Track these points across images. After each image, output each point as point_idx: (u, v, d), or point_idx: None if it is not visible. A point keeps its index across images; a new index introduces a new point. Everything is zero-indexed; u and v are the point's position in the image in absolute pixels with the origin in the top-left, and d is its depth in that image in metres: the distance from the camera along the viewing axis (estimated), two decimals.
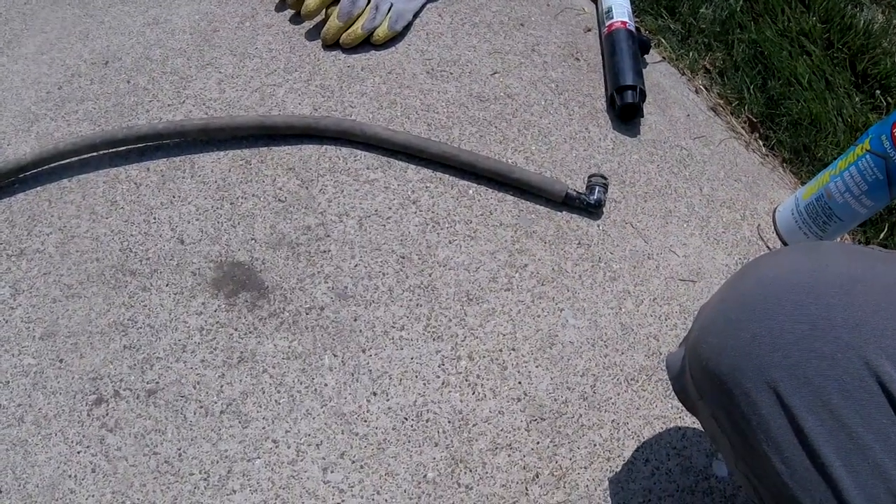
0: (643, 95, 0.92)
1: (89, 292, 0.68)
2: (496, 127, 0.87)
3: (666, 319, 0.74)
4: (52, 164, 0.76)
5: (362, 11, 0.94)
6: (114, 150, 0.78)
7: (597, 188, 0.80)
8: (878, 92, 1.15)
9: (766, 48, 1.14)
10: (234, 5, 0.98)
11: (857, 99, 1.13)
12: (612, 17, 1.01)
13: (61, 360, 0.64)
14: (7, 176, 0.73)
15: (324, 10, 0.94)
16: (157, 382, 0.63)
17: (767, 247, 0.86)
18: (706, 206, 0.86)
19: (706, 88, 1.07)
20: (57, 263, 0.70)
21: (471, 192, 0.79)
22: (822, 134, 1.03)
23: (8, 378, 0.62)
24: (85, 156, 0.77)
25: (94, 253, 0.71)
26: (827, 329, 0.36)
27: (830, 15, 1.29)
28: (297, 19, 0.96)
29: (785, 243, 0.87)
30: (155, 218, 0.74)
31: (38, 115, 0.82)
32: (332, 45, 0.93)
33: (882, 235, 0.93)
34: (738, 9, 1.20)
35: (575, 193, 0.79)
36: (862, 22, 1.33)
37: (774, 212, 0.90)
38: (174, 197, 0.75)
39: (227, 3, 0.98)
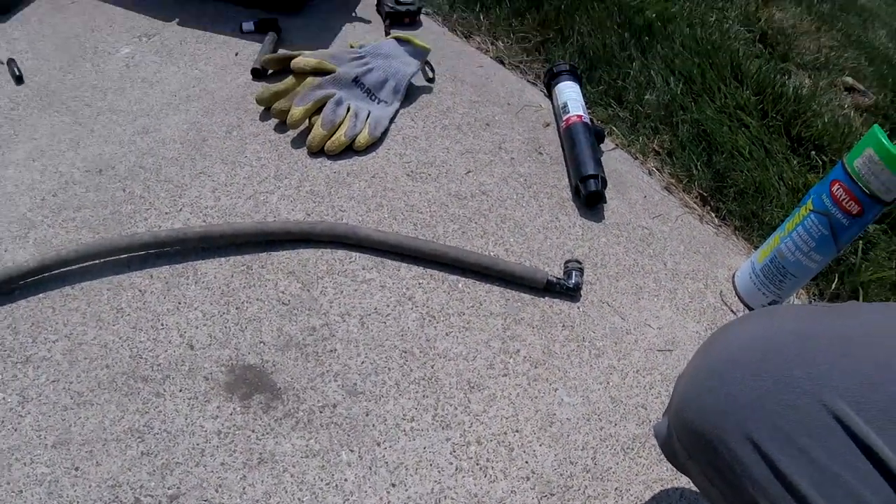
0: (604, 182, 1.01)
1: (101, 399, 0.70)
2: (475, 223, 0.95)
3: (650, 389, 0.81)
4: (55, 272, 0.79)
5: (343, 119, 1.02)
6: (116, 257, 0.82)
7: (574, 273, 0.88)
8: (813, 153, 1.29)
9: (707, 126, 1.26)
10: (220, 115, 1.05)
11: (794, 162, 1.26)
12: (568, 112, 1.12)
13: (77, 469, 0.65)
14: (9, 283, 0.76)
15: (307, 119, 1.02)
16: (179, 488, 0.66)
17: (731, 311, 0.94)
18: (672, 279, 0.95)
19: (658, 170, 1.18)
20: (65, 371, 0.72)
21: (460, 285, 0.86)
22: (768, 199, 1.14)
23: (21, 487, 0.63)
24: (87, 263, 0.81)
25: (104, 360, 0.73)
26: (788, 382, 0.43)
27: (762, 87, 1.43)
28: (281, 128, 1.04)
29: (746, 305, 0.96)
30: (163, 324, 0.77)
31: (34, 221, 0.86)
32: (318, 152, 1.00)
33: (833, 286, 1.03)
34: (679, 91, 1.33)
35: (555, 279, 0.87)
36: (791, 89, 1.48)
37: (733, 277, 1.00)
38: (180, 303, 0.79)
39: (214, 113, 1.05)
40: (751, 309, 0.95)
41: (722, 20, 1.74)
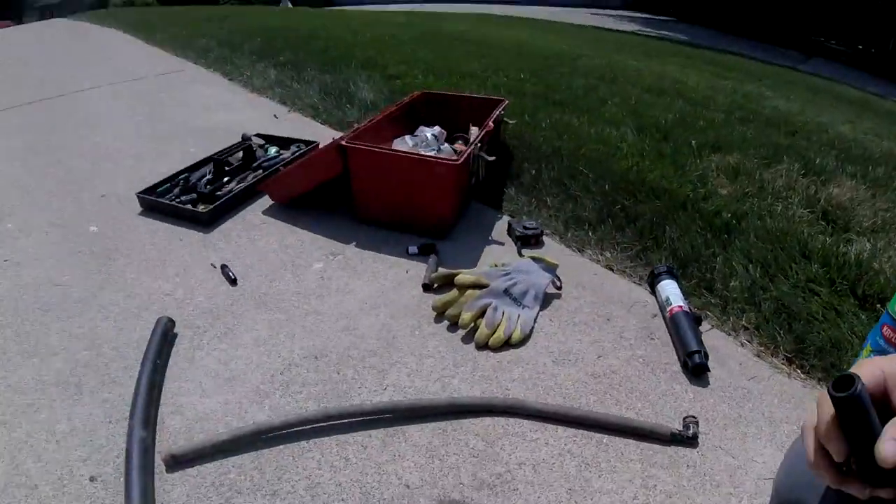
0: (706, 356, 1.32)
1: None
2: (609, 395, 1.27)
3: None
4: (292, 430, 1.11)
5: (500, 321, 1.40)
6: (341, 420, 1.14)
7: (691, 425, 1.17)
8: (878, 306, 1.54)
9: (784, 300, 1.56)
10: (403, 319, 1.44)
11: (863, 316, 1.51)
12: (671, 304, 1.46)
13: None
14: (260, 434, 1.08)
15: (474, 322, 1.40)
16: None
17: None
18: (770, 425, 1.22)
19: (748, 342, 1.47)
20: (308, 503, 1.03)
21: (604, 440, 1.17)
22: (843, 351, 1.40)
23: None
24: (319, 424, 1.13)
25: (339, 495, 1.03)
26: None
27: (827, 259, 1.72)
28: (453, 328, 1.42)
29: None
30: (383, 470, 1.08)
31: (267, 392, 1.21)
32: (483, 346, 1.37)
33: None
34: (758, 275, 1.65)
35: (677, 431, 1.16)
36: (853, 255, 1.75)
37: None
38: (395, 455, 1.12)
39: (398, 317, 1.44)
40: None
41: (787, 207, 2.07)
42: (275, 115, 2.76)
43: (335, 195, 1.83)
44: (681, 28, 12.39)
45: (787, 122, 3.51)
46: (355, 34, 5.02)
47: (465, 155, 1.66)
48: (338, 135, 2.35)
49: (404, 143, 1.95)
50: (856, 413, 0.49)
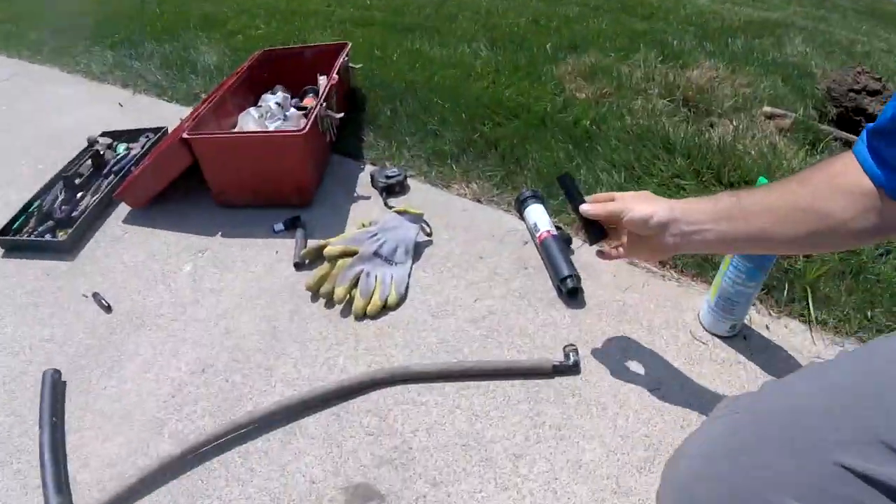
0: (578, 278, 1.34)
1: None
2: (491, 338, 1.27)
3: (649, 421, 1.10)
4: (195, 453, 1.09)
5: (375, 287, 1.37)
6: (238, 433, 1.13)
7: (570, 354, 1.19)
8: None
9: None
10: (281, 306, 1.40)
11: None
12: (539, 230, 1.46)
13: None
14: (165, 468, 1.05)
15: (348, 294, 1.37)
16: None
17: (702, 342, 1.24)
18: (650, 333, 1.26)
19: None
20: None
21: (491, 387, 1.17)
22: None
23: None
24: (219, 441, 1.11)
25: None
26: (739, 486, 0.63)
27: (691, 150, 1.76)
28: (330, 304, 1.38)
29: (713, 334, 1.25)
30: (287, 471, 1.07)
31: (163, 419, 1.17)
32: (362, 316, 1.34)
33: (785, 294, 1.33)
34: (623, 179, 1.67)
35: (558, 363, 1.18)
36: (715, 141, 1.79)
37: (698, 315, 1.30)
38: (296, 453, 1.09)
39: (275, 304, 1.40)
40: (715, 335, 1.25)
41: (647, 100, 2.10)
42: (119, 104, 2.56)
43: (192, 182, 1.74)
44: None
45: (643, 3, 3.54)
46: None
47: (311, 121, 1.59)
48: (186, 112, 2.22)
49: (250, 117, 1.86)
50: (567, 188, 1.11)
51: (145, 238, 1.67)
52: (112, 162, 2.00)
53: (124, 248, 1.64)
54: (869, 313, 1.28)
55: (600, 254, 1.11)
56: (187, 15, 3.70)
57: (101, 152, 2.01)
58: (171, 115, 2.33)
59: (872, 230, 0.77)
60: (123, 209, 1.80)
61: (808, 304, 1.31)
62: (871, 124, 0.75)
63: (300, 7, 3.70)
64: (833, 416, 0.63)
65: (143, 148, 2.07)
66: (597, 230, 1.05)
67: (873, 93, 2.14)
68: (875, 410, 0.60)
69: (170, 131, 2.13)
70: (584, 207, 1.04)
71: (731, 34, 3.03)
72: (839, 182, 0.78)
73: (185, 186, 1.76)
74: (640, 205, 0.96)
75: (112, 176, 1.93)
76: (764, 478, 0.62)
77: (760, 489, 0.61)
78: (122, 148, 2.09)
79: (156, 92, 2.65)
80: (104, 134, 2.16)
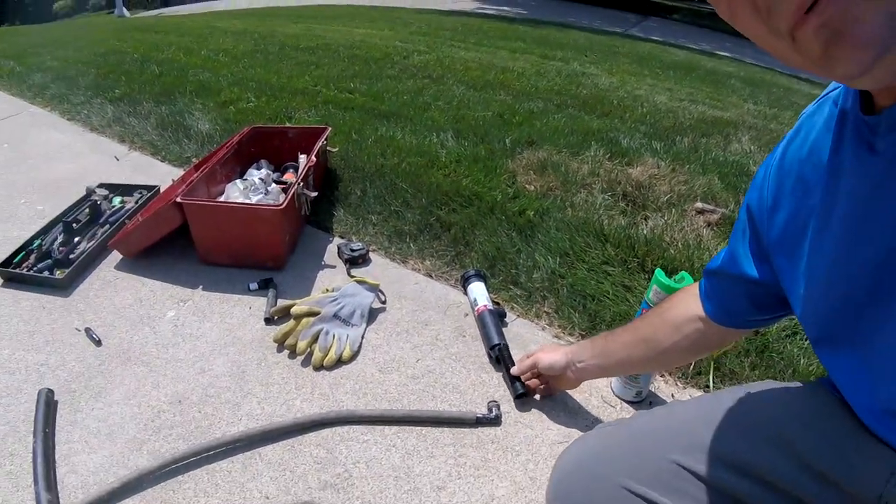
0: (507, 347, 1.63)
1: None
2: (428, 392, 1.55)
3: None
4: (169, 468, 1.33)
5: (332, 343, 1.66)
6: (207, 453, 1.37)
7: (493, 408, 1.48)
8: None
9: (579, 285, 1.89)
10: (251, 353, 1.66)
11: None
12: (477, 304, 1.76)
13: None
14: (143, 477, 1.30)
15: (309, 348, 1.65)
16: None
17: (610, 405, 1.52)
18: (566, 395, 1.54)
19: (548, 325, 1.80)
20: None
21: (423, 432, 1.45)
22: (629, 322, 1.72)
23: None
24: (190, 460, 1.36)
25: None
26: (597, 476, 0.94)
27: (620, 240, 2.07)
28: (293, 356, 1.66)
29: (622, 399, 1.54)
30: (246, 488, 1.31)
31: (143, 440, 1.41)
32: (319, 367, 1.62)
33: (691, 368, 1.62)
34: (557, 265, 1.97)
35: (481, 415, 1.47)
36: (643, 233, 2.10)
37: (610, 383, 1.58)
38: (254, 474, 1.33)
39: (246, 352, 1.67)
40: (623, 400, 1.54)
41: (590, 194, 2.44)
42: (116, 157, 2.86)
43: (180, 240, 2.03)
44: (521, 1, 12.96)
45: (604, 102, 3.94)
46: (189, 53, 5.09)
47: (288, 198, 1.91)
48: (178, 172, 2.53)
49: (235, 188, 2.16)
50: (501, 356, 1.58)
51: (135, 284, 1.94)
52: (108, 213, 2.30)
53: (115, 291, 1.91)
54: None
55: (530, 389, 1.53)
56: (184, 80, 4.05)
57: (99, 202, 2.30)
58: (163, 174, 2.64)
59: (700, 347, 1.12)
60: (116, 256, 2.08)
61: (709, 377, 1.60)
62: (706, 266, 1.07)
63: (289, 84, 4.08)
64: (676, 430, 0.95)
65: (136, 203, 2.38)
66: (520, 384, 1.51)
67: None
68: (706, 429, 0.91)
69: (162, 190, 2.44)
70: (513, 370, 1.53)
71: (680, 132, 3.40)
72: (667, 317, 1.13)
73: (174, 243, 2.05)
74: (546, 357, 1.40)
75: (108, 225, 2.23)
76: (619, 469, 0.91)
77: (614, 476, 0.91)
78: (117, 200, 2.40)
79: (150, 150, 2.97)
80: (101, 185, 2.46)
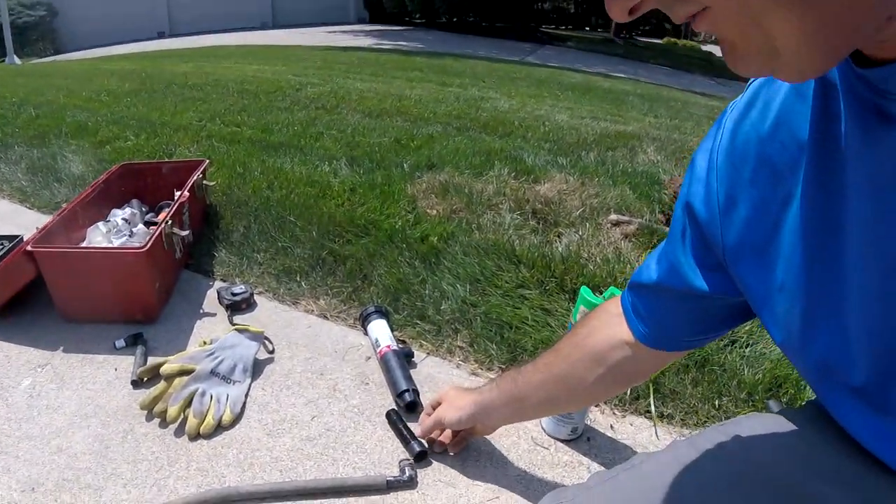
0: (416, 392, 1.41)
1: None
2: (326, 455, 1.31)
3: None
4: None
5: (209, 406, 1.39)
6: None
7: (406, 468, 1.25)
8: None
9: (495, 311, 1.70)
10: (115, 425, 1.38)
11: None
12: (380, 345, 1.54)
13: None
14: None
15: (182, 413, 1.38)
16: None
17: (543, 447, 1.32)
18: (487, 444, 1.33)
19: (463, 362, 1.59)
20: None
21: None
22: None
23: None
24: None
25: None
26: None
27: (535, 262, 1.90)
28: (164, 424, 1.38)
29: (555, 438, 1.34)
30: None
31: None
32: (195, 436, 1.35)
33: (628, 394, 1.43)
34: (468, 293, 1.78)
35: (393, 478, 1.23)
36: (558, 251, 1.95)
37: (541, 422, 1.38)
38: None
39: (109, 424, 1.39)
40: (557, 439, 1.34)
41: (497, 214, 2.27)
42: None
43: (43, 294, 1.75)
44: (417, 36, 13.04)
45: (505, 123, 3.84)
46: (70, 94, 4.77)
47: (153, 239, 1.65)
48: (46, 219, 2.21)
49: (98, 231, 1.89)
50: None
51: None
52: None
53: None
54: (717, 402, 1.42)
55: (433, 442, 1.32)
56: (61, 122, 3.76)
57: None
58: (30, 222, 2.32)
59: (631, 377, 0.97)
60: None
61: (650, 400, 1.42)
62: (633, 278, 0.88)
63: (172, 120, 3.82)
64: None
65: None
66: (416, 443, 1.30)
67: None
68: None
69: (25, 239, 2.11)
70: (417, 432, 1.32)
71: (585, 148, 3.34)
72: (585, 346, 0.94)
73: (39, 297, 1.76)
74: (451, 413, 1.20)
75: None
76: None
77: None
78: None
79: (19, 198, 2.68)
80: None
